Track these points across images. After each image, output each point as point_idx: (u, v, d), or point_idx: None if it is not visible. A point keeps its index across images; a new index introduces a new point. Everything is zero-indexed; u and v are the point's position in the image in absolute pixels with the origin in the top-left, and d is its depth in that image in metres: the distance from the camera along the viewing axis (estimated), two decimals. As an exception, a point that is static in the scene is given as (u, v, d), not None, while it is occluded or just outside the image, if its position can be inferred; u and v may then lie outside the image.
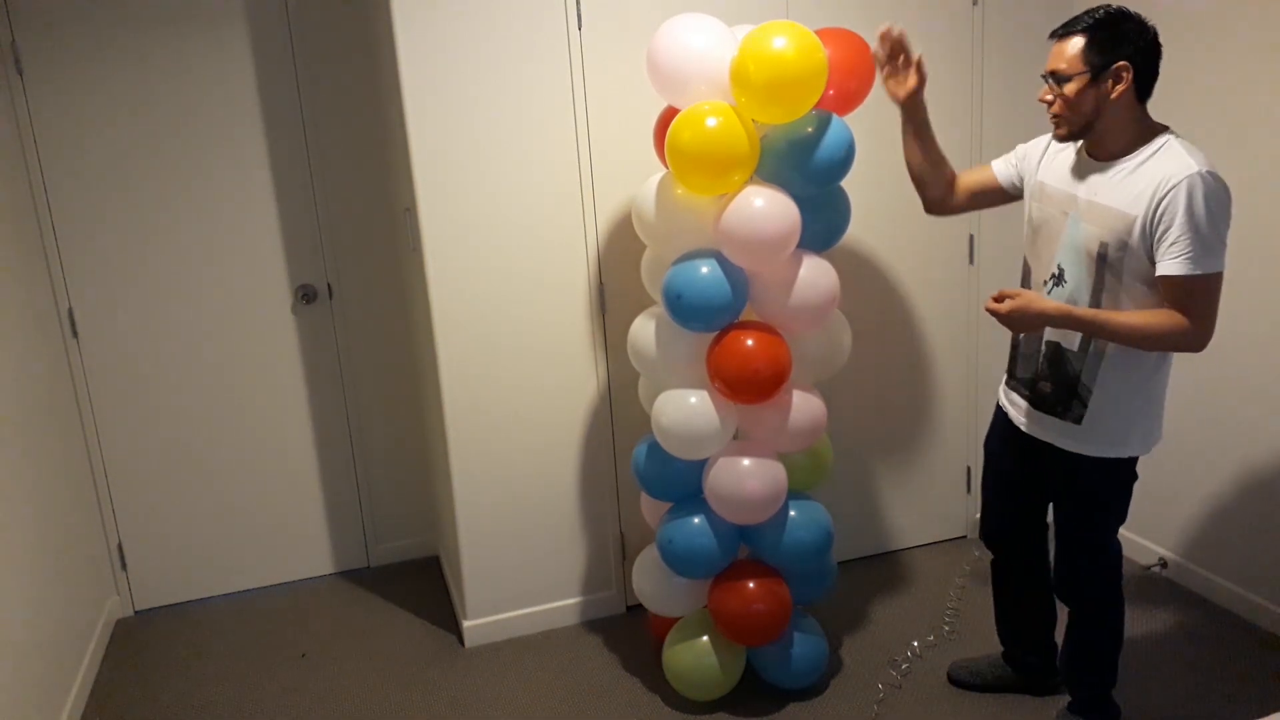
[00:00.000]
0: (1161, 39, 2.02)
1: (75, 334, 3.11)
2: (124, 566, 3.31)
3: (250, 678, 2.94)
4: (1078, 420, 2.16)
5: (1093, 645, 2.36)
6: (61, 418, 3.03)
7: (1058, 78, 2.04)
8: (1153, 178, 1.97)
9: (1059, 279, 2.16)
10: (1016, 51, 3.12)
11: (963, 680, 2.69)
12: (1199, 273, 1.94)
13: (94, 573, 3.17)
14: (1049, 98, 2.09)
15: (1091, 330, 2.07)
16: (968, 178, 2.43)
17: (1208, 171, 1.93)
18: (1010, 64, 3.13)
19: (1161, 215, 1.95)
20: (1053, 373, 2.20)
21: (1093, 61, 1.99)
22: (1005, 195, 2.38)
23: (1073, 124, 2.07)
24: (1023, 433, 2.31)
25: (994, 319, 2.14)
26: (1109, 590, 2.31)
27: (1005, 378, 2.40)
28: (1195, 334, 1.99)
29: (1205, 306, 1.98)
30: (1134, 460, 2.20)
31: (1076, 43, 2.01)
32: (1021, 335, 2.31)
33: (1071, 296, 2.13)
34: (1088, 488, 2.23)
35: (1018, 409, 2.32)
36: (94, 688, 2.93)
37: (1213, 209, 1.92)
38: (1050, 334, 2.20)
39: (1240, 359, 2.81)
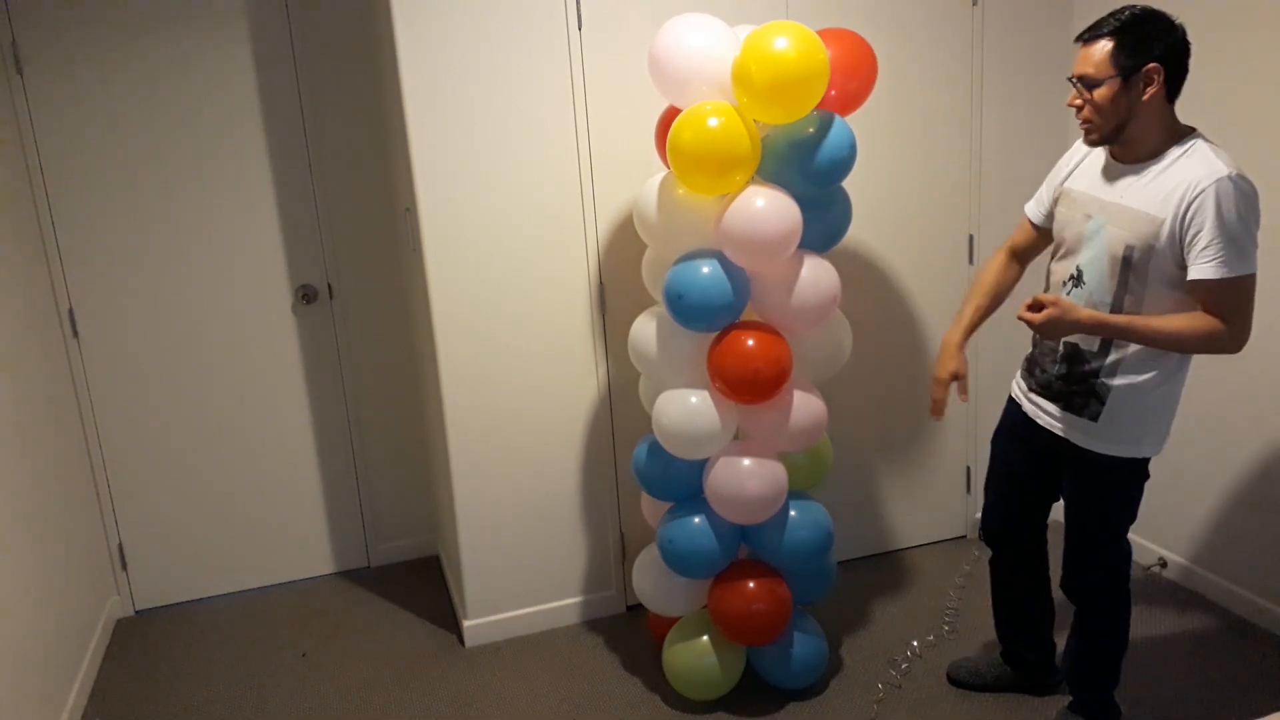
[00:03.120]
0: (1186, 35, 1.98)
1: (76, 334, 3.11)
2: (124, 566, 3.31)
3: (250, 677, 2.94)
4: (1094, 418, 2.16)
5: (1097, 644, 2.36)
6: (62, 417, 3.03)
7: (1087, 83, 2.01)
8: (1180, 181, 1.96)
9: (1077, 280, 2.15)
10: (1016, 51, 3.13)
11: (962, 680, 2.70)
12: (1233, 275, 1.94)
13: (94, 572, 3.16)
14: (1078, 103, 2.05)
15: (1126, 337, 2.06)
16: (1017, 248, 2.40)
17: (1236, 174, 1.93)
18: (1010, 64, 3.13)
19: (1191, 219, 1.94)
20: (1071, 371, 2.20)
21: (1123, 65, 1.96)
22: (1047, 235, 2.33)
23: (1104, 129, 2.04)
24: (1036, 429, 2.30)
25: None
26: (1117, 589, 2.31)
27: (1022, 375, 2.39)
28: (1232, 336, 1.99)
29: (1240, 308, 1.98)
30: (1147, 460, 2.21)
31: (1104, 46, 1.97)
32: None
33: (1090, 297, 2.12)
34: (1101, 486, 2.24)
35: (1037, 405, 2.31)
36: (94, 687, 2.93)
37: (1242, 211, 1.92)
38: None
39: (1241, 358, 2.79)
